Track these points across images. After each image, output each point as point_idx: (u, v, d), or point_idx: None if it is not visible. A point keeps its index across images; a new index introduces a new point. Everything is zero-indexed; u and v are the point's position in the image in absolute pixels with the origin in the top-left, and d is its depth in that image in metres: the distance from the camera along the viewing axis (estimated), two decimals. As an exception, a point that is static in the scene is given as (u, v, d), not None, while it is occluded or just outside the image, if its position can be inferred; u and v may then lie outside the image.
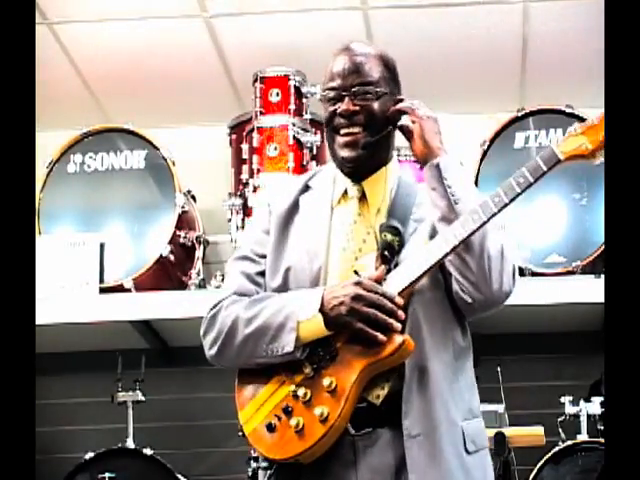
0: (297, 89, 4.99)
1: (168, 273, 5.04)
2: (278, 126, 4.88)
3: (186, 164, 5.19)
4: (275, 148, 4.85)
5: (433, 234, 2.53)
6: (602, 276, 4.72)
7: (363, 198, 2.62)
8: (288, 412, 2.46)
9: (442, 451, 2.45)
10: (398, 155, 5.14)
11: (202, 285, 5.05)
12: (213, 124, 5.63)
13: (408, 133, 2.61)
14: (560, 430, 4.73)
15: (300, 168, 4.80)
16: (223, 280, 4.34)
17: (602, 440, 4.59)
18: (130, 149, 5.24)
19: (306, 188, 2.69)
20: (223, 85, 5.58)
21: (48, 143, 5.17)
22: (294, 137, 4.89)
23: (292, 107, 4.93)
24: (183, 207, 5.01)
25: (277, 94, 4.92)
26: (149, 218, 5.13)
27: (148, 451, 4.85)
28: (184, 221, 5.04)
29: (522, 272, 4.91)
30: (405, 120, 2.62)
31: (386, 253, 2.52)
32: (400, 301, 2.46)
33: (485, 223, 2.45)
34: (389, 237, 2.53)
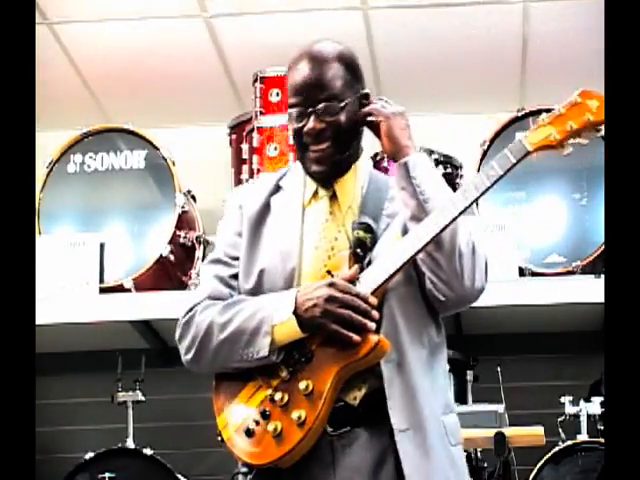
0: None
1: (168, 273, 5.04)
2: (278, 126, 4.87)
3: (186, 164, 5.20)
4: (275, 148, 4.85)
5: (406, 229, 2.52)
6: (602, 276, 4.72)
7: (334, 197, 2.61)
8: (266, 416, 2.46)
9: (432, 443, 2.46)
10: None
11: (202, 285, 5.04)
12: (213, 124, 5.63)
13: (377, 132, 2.58)
14: (560, 430, 4.73)
15: (300, 168, 4.80)
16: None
17: (602, 440, 4.59)
18: (130, 149, 5.25)
19: (277, 188, 2.67)
20: (223, 85, 5.58)
21: (48, 143, 5.17)
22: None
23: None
24: (183, 207, 5.01)
25: (277, 94, 4.91)
26: (149, 218, 5.13)
27: (148, 451, 4.85)
28: (184, 221, 5.04)
29: (522, 272, 4.91)
30: (373, 118, 2.59)
31: (358, 251, 2.51)
32: (374, 301, 2.46)
33: (456, 218, 2.44)
34: (361, 234, 2.52)
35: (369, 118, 2.58)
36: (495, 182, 2.46)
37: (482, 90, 5.64)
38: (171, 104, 5.67)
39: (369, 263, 2.51)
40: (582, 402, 4.75)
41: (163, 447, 5.05)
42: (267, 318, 2.47)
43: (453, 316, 5.21)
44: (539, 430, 4.22)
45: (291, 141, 4.86)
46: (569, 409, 4.75)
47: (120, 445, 4.89)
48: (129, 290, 4.95)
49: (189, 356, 2.58)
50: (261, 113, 4.91)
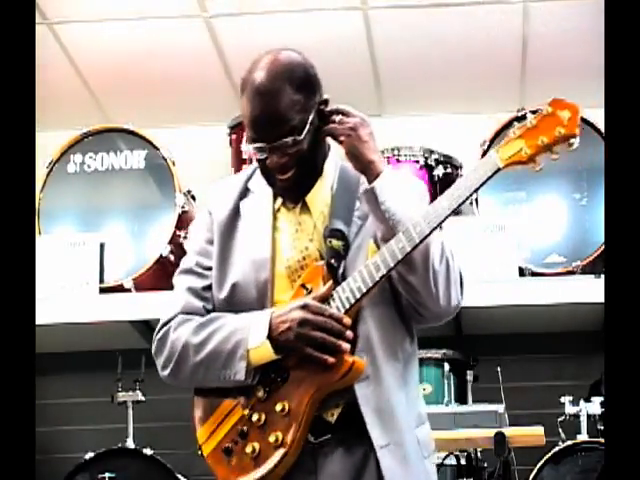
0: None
1: (168, 273, 4.99)
2: (278, 126, 4.87)
3: (186, 164, 5.20)
4: (275, 148, 4.85)
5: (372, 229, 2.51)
6: (602, 276, 4.72)
7: (304, 204, 2.58)
8: (244, 436, 2.48)
9: (410, 458, 2.47)
10: (398, 155, 5.15)
11: (202, 285, 5.04)
12: (213, 124, 5.63)
13: (339, 142, 2.54)
14: (560, 430, 4.73)
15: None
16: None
17: (602, 440, 4.59)
18: (130, 149, 5.24)
19: (246, 191, 2.64)
20: (223, 85, 5.58)
21: (48, 143, 5.17)
22: (294, 137, 4.89)
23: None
24: (183, 207, 5.01)
25: (277, 94, 4.91)
26: (149, 218, 5.13)
27: (148, 451, 4.85)
28: (184, 221, 5.04)
29: (522, 272, 4.92)
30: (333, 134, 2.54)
31: (333, 261, 2.49)
32: (348, 321, 2.45)
33: (427, 236, 2.42)
34: (334, 243, 2.50)
35: (329, 137, 2.53)
36: (466, 199, 2.42)
37: (482, 90, 5.63)
38: (171, 104, 5.67)
39: (344, 273, 2.49)
40: (582, 402, 4.75)
41: (163, 447, 5.04)
42: (242, 342, 2.47)
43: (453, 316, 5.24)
44: (539, 430, 4.22)
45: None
46: (569, 409, 4.75)
47: (120, 445, 4.89)
48: (129, 290, 4.95)
49: (166, 372, 2.58)
50: (261, 113, 4.90)
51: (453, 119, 5.77)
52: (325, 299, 2.46)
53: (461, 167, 5.19)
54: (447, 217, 2.42)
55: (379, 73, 5.56)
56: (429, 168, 5.13)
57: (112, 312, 4.95)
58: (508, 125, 5.05)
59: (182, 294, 2.61)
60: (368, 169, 2.49)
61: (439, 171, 5.11)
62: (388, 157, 5.14)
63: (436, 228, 2.42)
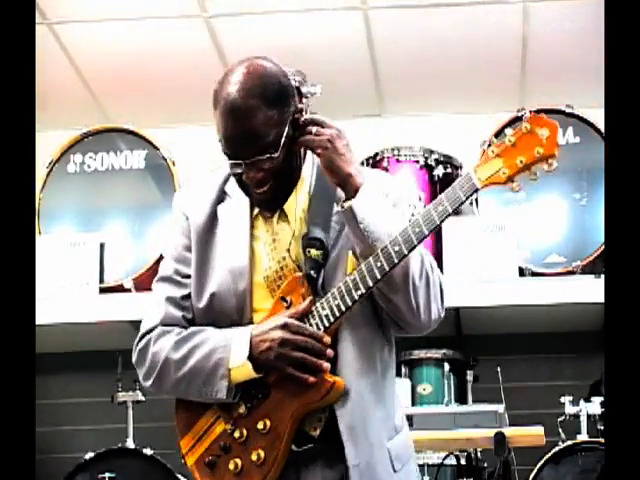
0: (297, 89, 4.98)
1: (168, 273, 5.03)
2: (278, 126, 4.87)
3: (186, 164, 5.20)
4: (275, 148, 4.85)
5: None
6: (602, 276, 4.72)
7: (281, 212, 2.56)
8: (226, 450, 2.48)
9: (379, 475, 2.46)
10: (398, 155, 5.15)
11: (202, 285, 5.04)
12: (213, 124, 5.62)
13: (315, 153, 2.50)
14: (560, 430, 4.73)
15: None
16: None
17: (602, 440, 4.59)
18: (130, 149, 5.25)
19: (222, 195, 2.61)
20: (223, 85, 5.57)
21: (48, 143, 5.17)
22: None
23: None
24: (183, 207, 5.00)
25: (277, 94, 4.91)
26: (149, 218, 5.13)
27: (148, 451, 4.85)
28: (184, 221, 5.03)
29: (522, 272, 4.92)
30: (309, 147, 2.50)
31: (312, 273, 2.48)
32: (328, 340, 2.44)
33: (405, 256, 2.40)
34: (313, 252, 2.48)
35: (306, 147, 2.50)
36: (444, 219, 2.42)
37: (482, 90, 5.63)
38: (171, 104, 5.67)
39: (323, 283, 2.48)
40: (582, 402, 4.75)
41: (163, 447, 5.03)
42: (223, 360, 2.46)
43: (453, 316, 5.24)
44: (539, 430, 4.22)
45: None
46: (569, 409, 4.75)
47: (120, 445, 4.89)
48: (129, 290, 4.95)
49: (148, 383, 2.59)
50: (261, 113, 4.91)
51: (453, 119, 5.77)
52: (305, 315, 2.46)
53: (461, 167, 5.19)
54: (426, 237, 2.41)
55: (379, 73, 5.55)
56: (429, 168, 5.13)
57: (112, 312, 4.95)
58: (508, 125, 5.05)
59: (161, 304, 2.59)
60: (346, 183, 2.45)
61: (439, 171, 5.11)
62: (388, 157, 5.14)
63: (414, 248, 2.40)
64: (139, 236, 5.11)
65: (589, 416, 4.73)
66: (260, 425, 2.46)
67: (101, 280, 5.03)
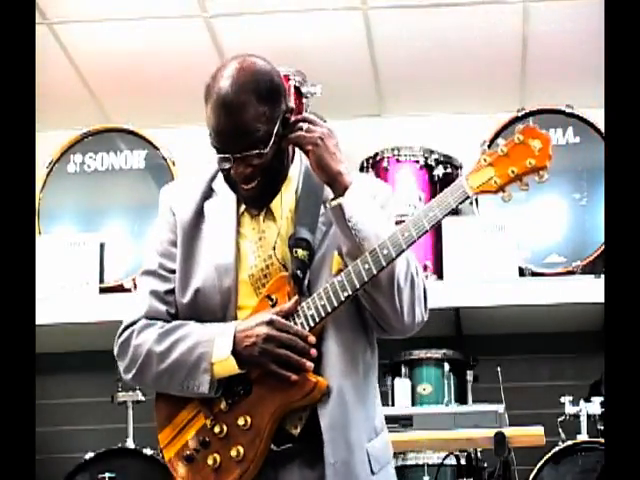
0: (297, 89, 4.99)
1: (168, 273, 5.03)
2: (278, 126, 4.87)
3: (186, 164, 5.19)
4: (275, 148, 4.85)
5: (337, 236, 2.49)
6: (602, 276, 4.72)
7: (268, 210, 2.56)
8: (206, 445, 2.48)
9: (355, 475, 2.46)
10: (398, 155, 5.15)
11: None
12: (212, 124, 5.62)
13: (304, 151, 2.50)
14: (560, 430, 4.73)
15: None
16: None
17: (602, 440, 4.59)
18: (130, 149, 5.25)
19: (210, 191, 2.62)
20: (223, 85, 5.57)
21: (48, 143, 5.17)
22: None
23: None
24: (183, 207, 5.00)
25: (277, 94, 4.91)
26: (149, 218, 5.12)
27: (148, 451, 4.85)
28: (184, 221, 5.03)
29: (522, 272, 4.92)
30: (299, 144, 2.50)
31: (298, 272, 2.48)
32: (312, 340, 2.45)
33: (394, 260, 2.41)
34: (300, 253, 2.49)
35: (295, 144, 2.50)
36: (434, 224, 2.42)
37: (482, 90, 5.63)
38: (171, 104, 5.66)
39: (309, 284, 2.49)
40: (582, 402, 4.75)
41: (163, 447, 5.04)
42: (206, 355, 2.46)
43: (453, 316, 5.24)
44: (539, 430, 4.22)
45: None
46: (569, 409, 4.75)
47: (120, 445, 4.89)
48: (129, 290, 4.94)
49: (128, 376, 2.57)
50: (261, 113, 4.90)
51: (453, 119, 5.77)
52: (290, 314, 2.46)
53: (461, 167, 5.19)
54: (415, 241, 2.41)
55: (379, 73, 5.55)
56: (429, 168, 5.13)
57: (112, 312, 4.94)
58: (508, 125, 5.06)
59: (145, 297, 2.59)
60: (335, 181, 2.46)
61: (439, 171, 5.12)
62: (388, 157, 5.14)
63: (403, 252, 2.41)
64: (139, 236, 5.11)
65: (589, 416, 4.73)
66: (241, 421, 2.45)
67: (101, 280, 5.02)
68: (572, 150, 5.06)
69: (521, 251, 4.94)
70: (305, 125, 2.48)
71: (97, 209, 5.22)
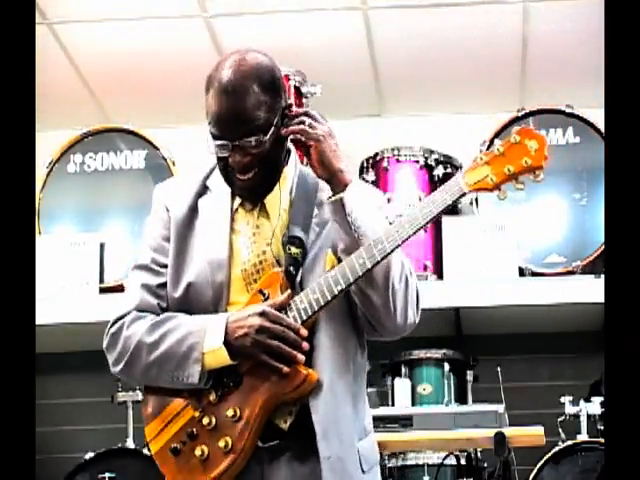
0: (297, 89, 4.99)
1: (168, 273, 5.03)
2: (278, 126, 4.87)
3: (186, 164, 5.19)
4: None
5: (331, 237, 2.51)
6: (602, 276, 4.72)
7: (263, 206, 2.58)
8: (193, 437, 2.47)
9: (349, 472, 2.47)
10: (398, 155, 5.15)
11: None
12: (213, 124, 5.62)
13: (301, 149, 2.52)
14: (560, 430, 4.73)
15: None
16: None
17: (602, 440, 4.59)
18: (130, 149, 5.25)
19: (204, 189, 2.63)
20: (223, 85, 5.57)
21: (48, 143, 5.17)
22: (294, 137, 4.90)
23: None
24: (183, 207, 5.00)
25: (277, 94, 4.91)
26: (149, 218, 5.12)
27: (148, 451, 4.85)
28: (184, 221, 5.03)
29: (522, 272, 4.92)
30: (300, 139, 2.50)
31: (291, 269, 2.49)
32: (304, 332, 2.45)
33: (388, 254, 2.42)
34: (293, 250, 2.50)
35: (296, 137, 2.49)
36: (430, 220, 2.44)
37: (482, 90, 5.63)
38: (171, 104, 5.67)
39: (301, 281, 2.50)
40: (582, 402, 4.75)
41: (163, 447, 5.04)
42: (197, 345, 2.46)
43: (453, 316, 5.24)
44: (539, 430, 4.22)
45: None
46: (569, 409, 4.75)
47: (120, 445, 4.89)
48: (129, 290, 4.94)
49: (117, 368, 2.57)
50: (261, 113, 4.90)
51: (453, 119, 5.77)
52: (283, 307, 2.46)
53: (461, 167, 5.19)
54: (409, 237, 2.43)
55: (379, 73, 5.55)
56: (429, 168, 5.13)
57: (112, 312, 4.94)
58: (508, 125, 5.06)
59: (137, 291, 2.61)
60: (335, 177, 2.48)
61: (439, 171, 5.12)
62: (388, 157, 5.14)
63: (398, 247, 2.43)
64: (139, 236, 5.09)
65: (589, 416, 4.73)
66: (230, 412, 2.45)
67: (101, 280, 5.02)
68: (572, 150, 5.06)
69: (521, 251, 4.94)
70: (308, 120, 2.50)
71: (97, 209, 5.22)
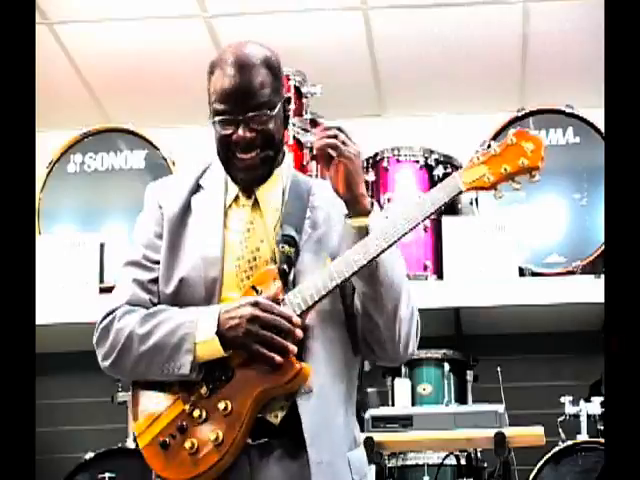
0: (297, 89, 5.00)
1: (168, 273, 5.03)
2: (278, 126, 4.87)
3: (186, 164, 5.20)
4: (275, 148, 4.85)
5: (325, 241, 2.53)
6: (602, 276, 4.72)
7: (256, 204, 2.58)
8: (183, 431, 2.45)
9: (341, 479, 2.46)
10: (398, 155, 5.15)
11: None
12: (213, 124, 5.62)
13: (325, 162, 2.48)
14: (560, 430, 4.73)
15: (300, 168, 4.80)
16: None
17: (602, 440, 4.59)
18: (130, 149, 5.25)
19: (197, 187, 2.63)
20: (223, 85, 5.58)
21: (48, 143, 5.17)
22: (294, 137, 4.90)
23: (292, 107, 4.93)
24: (183, 207, 5.00)
25: (277, 94, 4.91)
26: (149, 218, 5.12)
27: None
28: (184, 221, 5.03)
29: (522, 272, 4.92)
30: (333, 153, 2.47)
31: (285, 267, 2.49)
32: (297, 321, 2.43)
33: (384, 250, 2.42)
34: (286, 248, 2.50)
35: (327, 151, 2.46)
36: (426, 218, 2.45)
37: (482, 90, 5.64)
38: (171, 104, 5.67)
39: (294, 279, 2.49)
40: (582, 402, 4.75)
41: (163, 447, 5.04)
42: (189, 335, 2.44)
43: (453, 316, 5.24)
44: (539, 430, 4.22)
45: (290, 141, 4.87)
46: (569, 409, 4.75)
47: (120, 445, 4.89)
48: (129, 290, 4.94)
49: (107, 363, 2.57)
50: (261, 113, 4.90)
51: (453, 119, 5.77)
52: (275, 301, 2.45)
53: (461, 167, 5.17)
54: (405, 234, 2.44)
55: (379, 73, 5.56)
56: (429, 168, 5.13)
57: (112, 312, 4.94)
58: (508, 125, 5.06)
59: (128, 285, 2.59)
60: (357, 201, 2.46)
61: (439, 171, 5.12)
62: (388, 157, 5.14)
63: (394, 244, 2.43)
64: (139, 236, 5.11)
65: (589, 416, 4.73)
66: (221, 405, 2.43)
67: (101, 280, 5.02)
68: (572, 150, 5.06)
69: (521, 251, 4.94)
70: (342, 136, 2.48)
71: (97, 209, 5.23)
